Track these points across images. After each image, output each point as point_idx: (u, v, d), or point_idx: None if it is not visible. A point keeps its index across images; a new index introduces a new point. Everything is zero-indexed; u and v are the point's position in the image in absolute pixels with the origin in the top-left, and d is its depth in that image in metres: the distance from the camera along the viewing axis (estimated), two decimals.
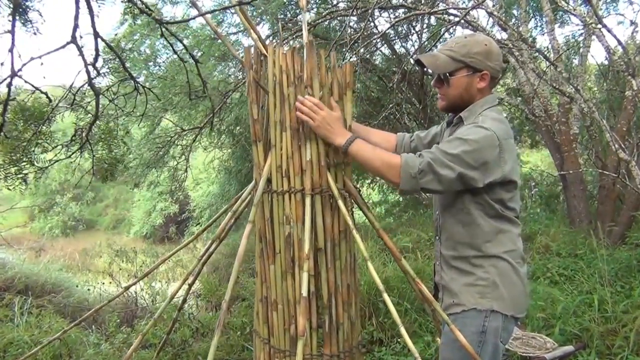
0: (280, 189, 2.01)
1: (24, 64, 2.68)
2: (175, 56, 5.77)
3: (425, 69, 2.08)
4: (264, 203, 2.06)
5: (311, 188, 1.96)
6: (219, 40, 7.54)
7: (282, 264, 2.04)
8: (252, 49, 2.07)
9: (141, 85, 3.72)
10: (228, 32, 7.74)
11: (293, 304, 2.03)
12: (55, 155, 3.67)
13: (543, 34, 8.44)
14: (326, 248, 2.01)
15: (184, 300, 2.81)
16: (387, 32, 7.83)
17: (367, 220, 2.18)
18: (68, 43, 2.79)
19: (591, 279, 4.24)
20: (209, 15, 2.06)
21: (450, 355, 1.90)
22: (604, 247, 4.61)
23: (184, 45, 3.82)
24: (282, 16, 7.64)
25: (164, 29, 3.20)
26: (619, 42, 3.77)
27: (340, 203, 1.95)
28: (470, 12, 5.17)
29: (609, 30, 3.68)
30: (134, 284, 2.52)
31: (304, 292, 1.81)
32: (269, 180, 2.04)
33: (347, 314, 2.10)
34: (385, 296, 1.88)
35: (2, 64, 2.67)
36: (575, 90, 3.93)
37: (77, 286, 6.94)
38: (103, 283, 6.81)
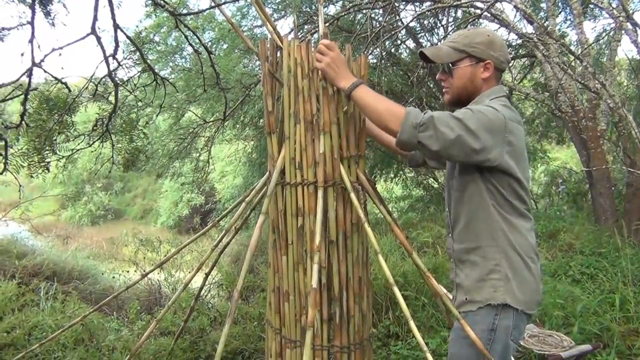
0: (294, 181, 2.03)
1: (46, 55, 2.75)
2: (200, 49, 5.84)
3: (430, 64, 2.07)
4: (277, 195, 2.08)
5: (324, 180, 1.97)
6: (245, 33, 7.59)
7: (294, 255, 2.06)
8: (268, 41, 2.09)
9: (160, 77, 3.77)
10: (253, 24, 7.77)
11: (304, 295, 2.05)
12: (78, 144, 3.75)
13: (573, 28, 8.26)
14: (338, 240, 2.02)
15: (201, 289, 2.86)
16: (412, 25, 7.77)
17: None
18: (88, 34, 2.84)
19: (614, 278, 4.16)
20: (224, 6, 2.08)
21: (459, 351, 1.89)
22: (629, 245, 4.52)
23: (197, 37, 3.87)
24: (307, 9, 7.64)
25: (179, 22, 3.23)
26: None
27: (353, 196, 1.96)
28: (496, 5, 5.10)
29: (637, 26, 3.59)
30: (151, 271, 2.57)
31: (314, 284, 1.82)
32: (282, 172, 2.06)
33: (359, 307, 2.10)
34: (395, 289, 1.89)
35: (22, 54, 2.74)
36: (601, 85, 3.84)
37: (102, 274, 7.06)
38: (128, 271, 6.92)
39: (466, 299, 1.88)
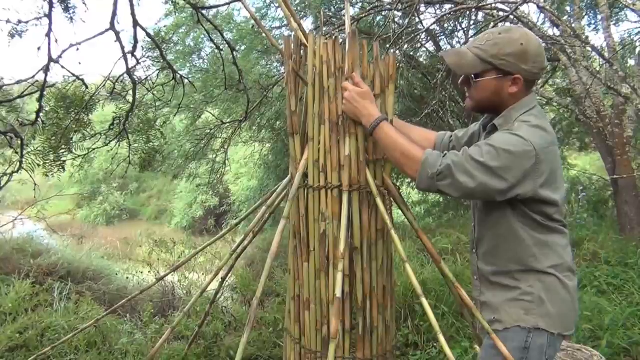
0: (317, 185, 1.94)
1: (64, 51, 2.70)
2: (221, 46, 5.78)
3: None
4: (299, 198, 1.99)
5: (349, 184, 1.88)
6: (263, 34, 7.54)
7: (316, 262, 1.97)
8: (292, 39, 2.00)
9: (181, 75, 3.71)
10: (271, 26, 7.71)
11: (326, 304, 1.96)
12: (95, 143, 3.70)
13: (597, 32, 8.09)
14: (362, 247, 1.94)
15: (217, 294, 2.78)
16: (432, 28, 7.66)
17: (405, 219, 2.09)
18: (107, 30, 2.79)
19: None
20: (248, 2, 2.00)
21: None
22: None
23: (220, 33, 3.80)
24: (326, 10, 7.56)
25: (202, 17, 3.16)
26: None
27: (379, 201, 1.87)
28: (520, 7, 4.98)
29: None
30: (166, 275, 2.50)
31: (338, 293, 1.73)
32: (305, 175, 1.97)
33: (382, 317, 2.01)
34: (424, 300, 1.79)
35: (39, 48, 2.69)
36: (633, 90, 3.71)
37: (116, 274, 7.04)
38: (142, 272, 6.89)
39: (494, 318, 1.76)
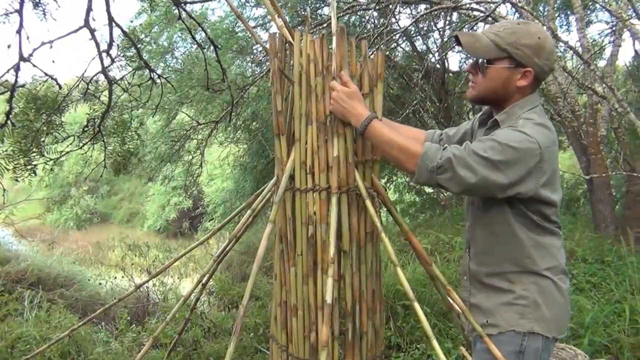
0: (304, 187, 1.88)
1: (35, 49, 2.57)
2: (192, 49, 5.67)
3: (462, 51, 1.86)
4: (285, 201, 1.92)
5: (337, 186, 1.82)
6: (238, 34, 7.44)
7: (303, 266, 1.91)
8: (277, 36, 1.94)
9: (158, 75, 3.59)
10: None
11: (314, 310, 1.89)
12: (67, 146, 3.56)
13: (569, 33, 8.22)
14: (351, 251, 1.88)
15: (197, 300, 2.70)
16: (408, 28, 7.67)
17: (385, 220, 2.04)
18: (81, 27, 2.67)
19: (620, 287, 4.06)
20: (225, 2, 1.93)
21: None
22: (631, 253, 4.43)
23: (203, 29, 3.70)
24: (302, 11, 7.50)
25: (182, 11, 3.06)
26: None
27: (369, 203, 1.82)
28: (488, 7, 5.00)
29: None
30: (146, 282, 2.40)
31: (329, 299, 1.67)
32: (291, 177, 1.91)
33: (372, 322, 1.96)
34: (416, 305, 1.75)
35: (9, 46, 2.55)
36: (609, 89, 3.75)
37: (89, 280, 6.87)
38: (115, 277, 6.73)
39: (487, 321, 1.73)
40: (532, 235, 1.66)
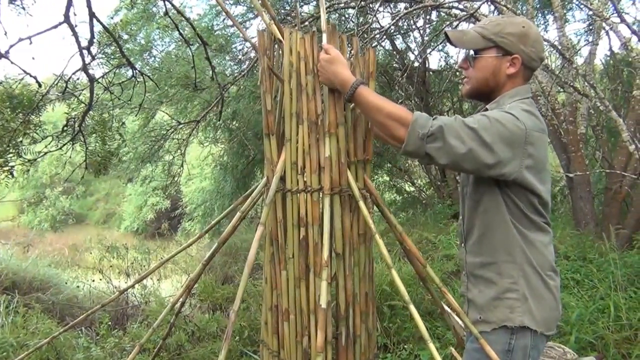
0: (295, 188, 1.83)
1: (12, 45, 2.46)
2: (171, 47, 5.56)
3: (443, 50, 1.91)
4: (276, 203, 1.87)
5: (330, 187, 1.77)
6: (217, 32, 7.34)
7: (295, 270, 1.86)
8: (266, 33, 1.89)
9: (140, 72, 3.50)
10: (226, 24, 7.52)
11: (307, 314, 1.85)
12: (45, 146, 3.44)
13: (546, 32, 8.30)
14: (344, 253, 1.84)
15: (182, 304, 2.63)
16: (387, 26, 7.67)
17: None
18: (61, 23, 2.57)
19: (602, 283, 4.09)
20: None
21: None
22: (611, 250, 4.48)
23: (192, 25, 3.62)
24: (281, 9, 7.44)
25: (169, 10, 2.98)
26: (638, 37, 3.62)
27: (362, 204, 1.78)
28: (473, 6, 5.01)
29: (625, 22, 3.51)
30: (132, 286, 2.33)
31: (323, 304, 1.63)
32: (282, 178, 1.86)
33: (365, 325, 1.93)
34: (412, 308, 1.72)
35: None
36: (591, 87, 3.77)
37: (66, 283, 6.71)
38: (93, 280, 6.59)
39: (480, 317, 1.73)
40: (521, 229, 1.67)
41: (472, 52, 1.74)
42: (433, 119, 1.59)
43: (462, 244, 1.85)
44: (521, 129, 1.56)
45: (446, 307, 2.21)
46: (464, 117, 1.61)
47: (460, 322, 2.29)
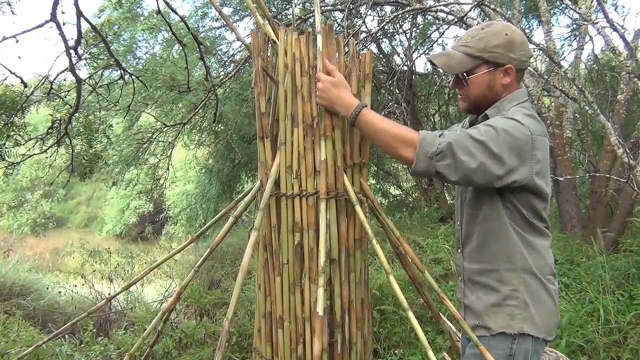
0: (290, 192, 1.79)
1: None
2: (156, 49, 5.48)
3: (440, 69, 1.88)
4: (270, 207, 1.83)
5: (326, 192, 1.73)
6: (202, 34, 7.26)
7: (289, 276, 1.81)
8: (260, 34, 1.84)
9: (129, 73, 3.42)
10: (212, 26, 7.46)
11: (302, 321, 1.81)
12: (29, 149, 3.34)
13: (532, 36, 8.36)
14: (340, 259, 1.80)
15: (170, 312, 2.57)
16: (374, 29, 7.67)
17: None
18: (47, 21, 2.50)
19: (591, 287, 4.11)
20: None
21: None
22: (598, 253, 4.50)
23: (186, 24, 3.55)
24: (270, 11, 7.39)
25: (165, 5, 2.90)
26: (625, 41, 3.64)
27: (358, 209, 1.74)
28: (459, 9, 5.02)
29: (613, 26, 3.53)
30: (119, 293, 2.26)
31: (320, 311, 1.59)
32: (276, 182, 1.81)
33: (361, 332, 1.89)
34: (410, 314, 1.69)
35: None
36: (580, 91, 3.79)
37: (47, 288, 6.59)
38: (75, 285, 6.47)
39: (478, 323, 1.71)
40: (522, 234, 1.65)
41: (465, 74, 1.70)
42: (439, 136, 1.56)
43: (459, 250, 1.82)
44: (527, 135, 1.55)
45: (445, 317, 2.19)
46: (451, 121, 1.59)
47: (453, 327, 2.28)
